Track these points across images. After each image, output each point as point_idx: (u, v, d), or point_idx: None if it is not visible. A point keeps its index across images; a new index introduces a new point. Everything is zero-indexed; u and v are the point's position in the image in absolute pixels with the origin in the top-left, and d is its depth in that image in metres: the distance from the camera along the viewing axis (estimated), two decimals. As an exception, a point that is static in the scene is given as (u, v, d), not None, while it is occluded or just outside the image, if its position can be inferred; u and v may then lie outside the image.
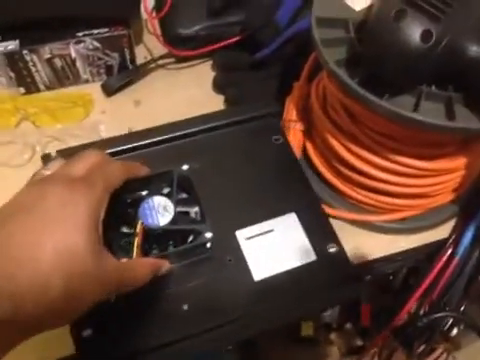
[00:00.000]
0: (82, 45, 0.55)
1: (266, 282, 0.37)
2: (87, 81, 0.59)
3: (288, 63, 0.56)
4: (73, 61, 0.56)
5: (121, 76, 0.58)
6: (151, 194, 0.38)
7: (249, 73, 0.58)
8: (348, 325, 0.69)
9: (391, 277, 0.54)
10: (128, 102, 0.58)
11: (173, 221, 0.36)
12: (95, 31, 0.55)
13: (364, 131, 0.41)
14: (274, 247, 0.38)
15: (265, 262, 0.38)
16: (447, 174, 0.43)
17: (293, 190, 0.42)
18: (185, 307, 0.35)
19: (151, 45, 0.62)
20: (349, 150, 0.43)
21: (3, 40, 0.53)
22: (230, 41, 0.57)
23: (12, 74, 0.55)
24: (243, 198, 0.41)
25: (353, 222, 0.48)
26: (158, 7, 0.61)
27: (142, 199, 0.37)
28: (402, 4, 0.33)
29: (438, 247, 0.47)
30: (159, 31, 0.60)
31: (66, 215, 0.28)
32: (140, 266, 0.33)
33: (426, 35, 0.32)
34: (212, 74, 0.60)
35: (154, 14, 0.62)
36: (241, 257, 0.38)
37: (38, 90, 0.58)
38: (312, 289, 0.37)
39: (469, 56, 0.33)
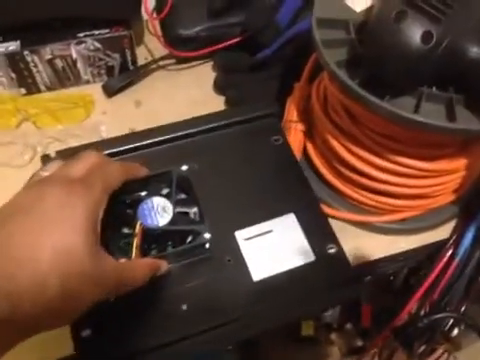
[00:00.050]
0: (83, 46, 0.55)
1: (265, 282, 0.37)
2: (88, 82, 0.59)
3: (289, 64, 0.56)
4: (74, 62, 0.56)
5: (122, 77, 0.59)
6: (150, 195, 0.38)
7: (250, 74, 0.58)
8: (348, 325, 0.69)
9: (392, 278, 0.54)
10: (129, 103, 0.58)
11: (172, 222, 0.36)
12: (96, 32, 0.55)
13: (365, 132, 0.41)
14: (273, 248, 0.38)
15: (264, 263, 0.38)
16: (447, 175, 0.43)
17: (292, 191, 0.42)
18: (184, 307, 0.35)
19: (152, 46, 0.62)
20: (350, 151, 0.43)
21: (4, 41, 0.53)
22: (231, 42, 0.57)
23: (13, 75, 0.55)
24: (242, 199, 0.41)
25: (353, 223, 0.49)
26: (159, 8, 0.61)
27: (141, 200, 0.37)
28: (403, 5, 0.33)
29: (438, 248, 0.47)
30: (160, 32, 0.60)
31: (64, 216, 0.28)
32: (139, 266, 0.33)
33: (427, 36, 0.32)
34: (213, 75, 0.60)
35: (155, 15, 0.62)
36: (240, 257, 0.38)
37: (39, 91, 0.58)
38: (311, 290, 0.37)
39: (470, 57, 0.33)
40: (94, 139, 0.49)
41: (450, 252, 0.46)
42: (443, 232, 0.49)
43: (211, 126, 0.45)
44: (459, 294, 0.46)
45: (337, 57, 0.37)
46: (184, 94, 0.59)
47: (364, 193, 0.46)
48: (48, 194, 0.29)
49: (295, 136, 0.49)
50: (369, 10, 0.40)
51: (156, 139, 0.44)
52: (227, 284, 0.37)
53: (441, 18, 0.32)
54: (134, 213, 0.37)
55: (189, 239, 0.38)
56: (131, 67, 0.59)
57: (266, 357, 0.67)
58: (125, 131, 0.53)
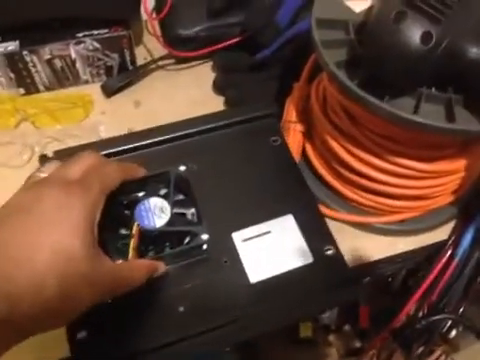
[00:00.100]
0: (82, 46, 0.55)
1: (263, 284, 0.37)
2: (87, 82, 0.59)
3: (288, 64, 0.56)
4: (73, 62, 0.56)
5: (121, 77, 0.58)
6: (148, 195, 0.38)
7: (249, 74, 0.58)
8: (347, 326, 0.68)
9: (390, 279, 0.54)
10: (128, 103, 0.58)
11: (169, 223, 0.36)
12: (95, 32, 0.55)
13: (364, 133, 0.41)
14: (271, 249, 0.38)
15: (261, 264, 0.38)
16: (447, 176, 0.43)
17: (291, 192, 0.42)
18: (181, 309, 0.35)
19: (151, 46, 0.62)
20: (349, 152, 0.43)
21: (3, 41, 0.53)
22: (230, 42, 0.57)
23: (12, 75, 0.55)
24: (240, 199, 0.41)
25: (352, 224, 0.48)
26: (158, 8, 0.61)
27: (139, 200, 0.37)
28: (402, 6, 0.33)
29: (437, 249, 0.47)
30: (159, 32, 0.60)
31: (62, 218, 0.28)
32: (136, 268, 0.33)
33: (426, 37, 0.32)
34: (212, 75, 0.60)
35: (154, 15, 0.62)
36: (237, 259, 0.38)
37: (38, 91, 0.58)
38: (309, 291, 0.37)
39: (469, 58, 0.33)
40: (93, 139, 0.48)
41: (449, 253, 0.46)
42: (442, 233, 0.49)
43: (210, 126, 0.45)
44: (458, 295, 0.46)
45: (336, 57, 0.37)
46: (183, 94, 0.59)
47: (363, 194, 0.46)
48: (46, 195, 0.29)
49: (294, 137, 0.49)
50: (368, 10, 0.40)
51: (155, 139, 0.44)
52: (224, 285, 0.37)
53: (441, 19, 0.32)
54: (131, 214, 0.36)
55: (186, 240, 0.38)
56: (130, 67, 0.59)
57: (265, 358, 0.67)
58: (124, 131, 0.53)
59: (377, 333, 0.51)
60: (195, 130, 0.44)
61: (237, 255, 0.38)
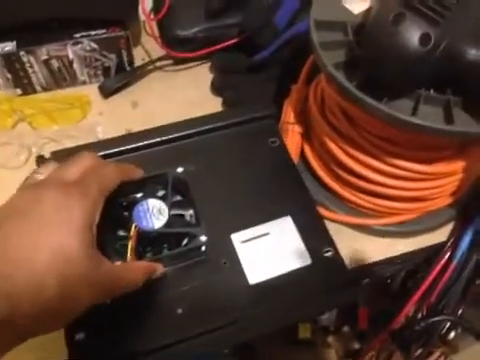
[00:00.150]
0: (79, 46, 0.55)
1: (261, 285, 0.37)
2: (84, 82, 0.59)
3: (286, 65, 0.56)
4: (70, 62, 0.56)
5: (118, 77, 0.58)
6: (146, 197, 0.37)
7: (247, 75, 0.58)
8: (346, 328, 0.68)
9: (389, 280, 0.54)
10: (125, 104, 0.58)
11: (168, 224, 0.36)
12: (92, 32, 0.55)
13: (362, 134, 0.41)
14: (269, 250, 0.38)
15: (260, 265, 0.37)
16: (445, 178, 0.43)
17: (289, 193, 0.42)
18: (180, 310, 0.35)
19: (149, 47, 0.62)
20: (347, 153, 0.43)
21: (0, 41, 0.53)
22: (228, 43, 0.57)
23: (9, 75, 0.55)
24: (239, 201, 0.41)
25: (351, 225, 0.48)
26: (156, 9, 0.61)
27: (137, 202, 0.37)
28: (401, 8, 0.33)
29: (436, 251, 0.47)
30: (157, 33, 0.60)
31: (60, 219, 0.28)
32: (134, 269, 0.33)
33: (425, 39, 0.32)
34: (210, 76, 0.60)
35: (152, 16, 0.62)
36: (236, 260, 0.37)
37: (35, 91, 0.58)
38: (308, 293, 0.37)
39: (467, 60, 0.33)
40: (90, 140, 0.48)
41: (447, 255, 0.46)
42: (440, 235, 0.49)
43: (208, 127, 0.45)
44: (456, 297, 0.46)
45: (335, 59, 0.37)
46: (181, 95, 0.59)
47: (362, 196, 0.46)
48: (44, 197, 0.29)
49: (292, 138, 0.49)
50: (367, 12, 0.40)
51: (152, 140, 0.43)
52: (223, 287, 0.36)
53: (439, 20, 0.32)
54: (129, 215, 0.36)
55: (185, 242, 0.38)
56: (128, 68, 0.59)
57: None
58: (121, 132, 0.52)
59: (376, 334, 0.51)
60: (193, 131, 0.44)
61: (236, 256, 0.38)
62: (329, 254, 0.38)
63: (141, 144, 0.43)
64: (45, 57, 0.54)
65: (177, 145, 0.44)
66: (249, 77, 0.58)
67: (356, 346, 0.67)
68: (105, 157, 0.42)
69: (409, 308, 0.47)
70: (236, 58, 0.59)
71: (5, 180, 0.50)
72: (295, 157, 0.48)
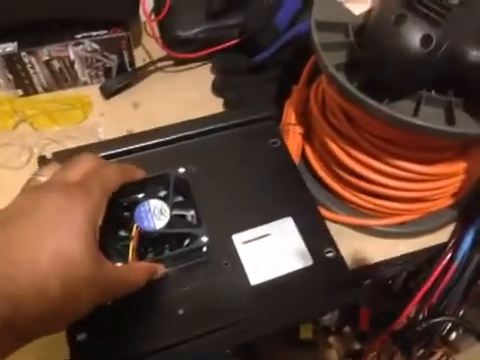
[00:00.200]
0: (81, 47, 0.55)
1: (263, 286, 0.37)
2: (85, 83, 0.59)
3: (287, 66, 0.56)
4: (71, 63, 0.56)
5: (120, 78, 0.58)
6: (147, 197, 0.37)
7: (248, 76, 0.58)
8: (347, 328, 0.68)
9: (390, 281, 0.54)
10: (127, 104, 0.58)
11: (169, 225, 0.36)
12: (94, 33, 0.55)
13: (363, 135, 0.41)
14: (271, 251, 0.38)
15: (262, 266, 0.37)
16: (447, 178, 0.43)
17: (290, 194, 0.42)
18: (181, 311, 0.35)
19: (150, 47, 0.62)
20: (348, 154, 0.43)
21: (1, 42, 0.53)
22: (229, 44, 0.57)
23: (10, 76, 0.55)
24: (240, 202, 0.41)
25: (352, 226, 0.48)
26: (157, 9, 0.61)
27: (138, 202, 0.37)
28: (402, 9, 0.33)
29: (437, 251, 0.47)
30: (158, 33, 0.60)
31: (64, 221, 0.28)
32: (135, 270, 0.33)
33: (426, 40, 0.32)
34: (211, 77, 0.60)
35: (153, 16, 0.62)
36: (237, 261, 0.37)
37: (36, 92, 0.58)
38: (309, 294, 0.37)
39: (469, 61, 0.33)
40: (91, 141, 0.48)
41: (449, 256, 0.46)
42: (442, 236, 0.49)
43: (209, 128, 0.45)
44: (458, 298, 0.46)
45: (336, 60, 0.37)
46: (182, 96, 0.59)
47: (363, 196, 0.46)
48: (47, 199, 0.29)
49: (293, 139, 0.49)
50: (368, 13, 0.40)
51: (154, 141, 0.43)
52: (224, 288, 0.36)
53: (441, 22, 0.32)
54: (131, 216, 0.36)
55: (186, 242, 0.38)
56: (129, 69, 0.59)
57: (264, 360, 0.67)
58: (123, 133, 0.53)
59: (377, 335, 0.50)
60: (194, 132, 0.44)
61: (237, 257, 0.38)
62: (330, 255, 0.38)
63: (142, 145, 0.43)
64: (46, 58, 0.54)
65: (178, 146, 0.44)
66: (250, 78, 0.58)
67: (357, 347, 0.67)
68: (106, 158, 0.41)
69: (410, 309, 0.47)
70: (237, 59, 0.59)
71: (6, 181, 0.50)
72: (296, 158, 0.48)
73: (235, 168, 0.43)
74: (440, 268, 0.46)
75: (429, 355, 0.51)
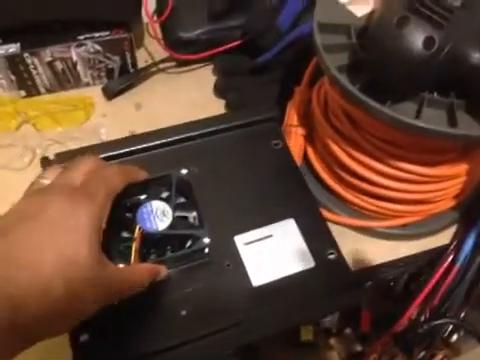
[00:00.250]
0: (83, 48, 0.55)
1: (265, 288, 0.37)
2: (88, 84, 0.59)
3: (289, 68, 0.56)
4: (74, 64, 0.56)
5: (122, 79, 0.59)
6: (149, 198, 0.37)
7: (250, 77, 0.58)
8: (348, 330, 0.68)
9: (392, 283, 0.54)
10: (129, 105, 0.58)
11: (171, 226, 0.36)
12: (96, 34, 0.55)
13: (365, 137, 0.41)
14: (273, 253, 0.38)
15: (264, 268, 0.37)
16: (448, 180, 0.43)
17: (292, 195, 0.42)
18: (183, 312, 0.35)
19: (152, 49, 0.62)
20: (350, 156, 0.43)
21: (4, 43, 0.53)
22: (231, 45, 0.57)
23: (13, 77, 0.55)
24: (242, 203, 0.41)
25: (354, 228, 0.48)
26: (159, 11, 0.61)
27: (140, 203, 0.37)
28: (404, 11, 0.33)
29: (439, 253, 0.47)
30: (160, 35, 0.60)
31: (68, 225, 0.28)
32: (138, 272, 0.33)
33: (429, 42, 0.32)
34: (213, 78, 0.60)
35: (155, 18, 0.62)
36: (239, 262, 0.38)
37: (39, 93, 0.58)
38: (311, 295, 0.37)
39: (471, 63, 0.33)
40: (94, 142, 0.49)
41: (451, 258, 0.46)
42: (444, 238, 0.49)
43: (211, 130, 0.45)
44: (459, 300, 0.46)
45: (338, 62, 0.37)
46: (184, 97, 0.59)
47: (365, 198, 0.46)
48: (51, 203, 0.29)
49: (295, 140, 0.49)
50: (370, 15, 0.40)
51: (156, 142, 0.43)
52: (226, 289, 0.37)
53: (443, 24, 0.32)
54: (133, 217, 0.36)
55: (188, 244, 0.38)
56: (131, 70, 0.59)
57: (265, 361, 0.67)
58: (125, 134, 0.53)
59: (378, 337, 0.50)
60: (196, 133, 0.44)
61: (239, 259, 0.38)
62: (332, 256, 0.38)
63: (144, 146, 0.43)
64: (49, 59, 0.55)
65: (180, 147, 0.44)
66: (252, 79, 0.58)
67: (358, 348, 0.67)
68: (109, 159, 0.42)
69: (412, 311, 0.47)
70: (239, 60, 0.59)
71: (9, 181, 0.50)
72: (298, 159, 0.48)
73: (237, 169, 0.43)
74: (442, 270, 0.46)
75: (430, 357, 0.51)
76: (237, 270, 0.37)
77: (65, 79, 0.58)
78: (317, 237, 0.39)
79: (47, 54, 0.54)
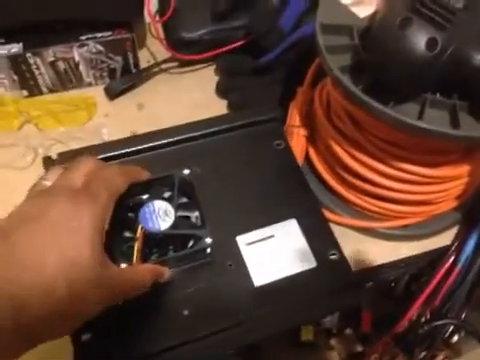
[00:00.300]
0: (85, 48, 0.55)
1: (266, 288, 0.37)
2: (90, 84, 0.59)
3: (292, 68, 0.56)
4: (76, 64, 0.56)
5: (124, 79, 0.59)
6: (152, 198, 0.37)
7: (252, 78, 0.58)
8: (348, 330, 0.68)
9: (393, 284, 0.54)
10: (131, 105, 0.58)
11: (174, 226, 0.36)
12: (98, 34, 0.55)
13: (368, 138, 0.41)
14: (275, 253, 0.38)
15: (265, 268, 0.38)
16: (450, 181, 0.43)
17: (294, 196, 0.42)
18: (185, 312, 0.35)
19: (154, 49, 0.62)
20: (353, 157, 0.43)
21: (7, 43, 0.53)
22: (234, 45, 0.57)
23: (15, 77, 0.55)
24: (244, 203, 0.41)
25: (356, 228, 0.48)
26: (161, 11, 0.62)
27: (143, 203, 0.37)
28: (407, 12, 0.33)
29: (440, 254, 0.47)
30: (162, 35, 0.60)
31: (71, 227, 0.28)
32: (141, 272, 0.33)
33: (431, 43, 0.32)
34: (215, 78, 0.60)
35: (157, 18, 0.62)
36: (241, 262, 0.38)
37: (41, 93, 0.58)
38: (312, 296, 0.37)
39: (474, 64, 0.33)
40: (96, 141, 0.49)
41: (452, 259, 0.46)
42: (445, 239, 0.49)
43: (213, 130, 0.45)
44: (460, 301, 0.46)
45: (341, 63, 0.37)
46: (186, 97, 0.59)
47: (367, 199, 0.46)
48: (53, 204, 0.29)
49: (297, 141, 0.49)
50: (373, 16, 0.40)
51: (158, 142, 0.43)
52: (228, 289, 0.37)
53: (446, 25, 0.32)
54: (135, 216, 0.36)
55: (190, 244, 0.38)
56: (133, 70, 0.59)
57: (266, 362, 0.67)
58: (127, 134, 0.53)
59: (379, 338, 0.50)
60: (198, 133, 0.44)
61: (241, 259, 0.38)
62: (334, 257, 0.38)
63: (146, 146, 0.43)
64: (51, 59, 0.55)
65: (182, 147, 0.44)
66: (254, 79, 0.58)
67: (359, 349, 0.67)
68: (111, 159, 0.42)
69: (413, 311, 0.47)
70: (242, 60, 0.59)
71: (12, 181, 0.50)
72: (300, 160, 0.48)
73: (239, 170, 0.43)
74: (443, 271, 0.46)
75: (431, 358, 0.51)
76: (239, 270, 0.37)
77: (67, 79, 0.58)
78: (319, 237, 0.39)
79: (49, 54, 0.54)
